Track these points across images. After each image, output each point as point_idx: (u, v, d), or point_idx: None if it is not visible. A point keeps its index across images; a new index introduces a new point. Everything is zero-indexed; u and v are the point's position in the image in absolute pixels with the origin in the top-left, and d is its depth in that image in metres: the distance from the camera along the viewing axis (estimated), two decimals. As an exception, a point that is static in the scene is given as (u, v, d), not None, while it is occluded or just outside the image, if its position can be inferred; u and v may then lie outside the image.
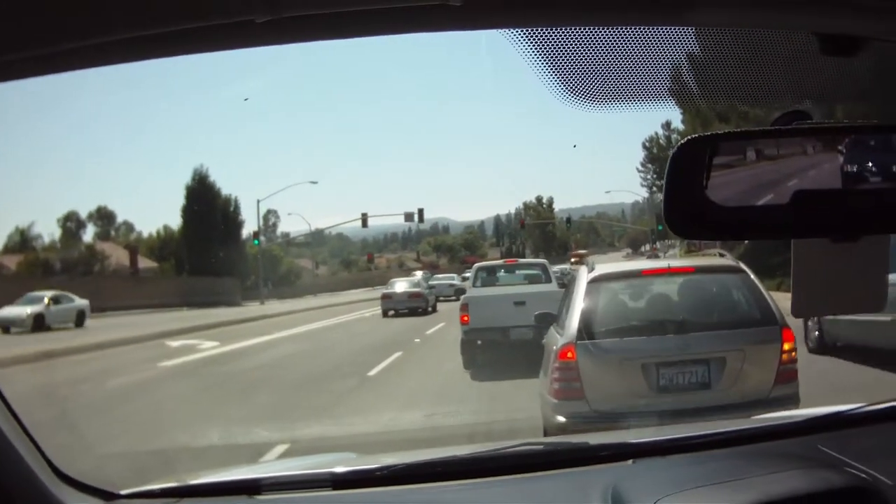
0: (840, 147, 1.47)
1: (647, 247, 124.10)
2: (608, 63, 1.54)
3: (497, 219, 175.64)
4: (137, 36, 1.36)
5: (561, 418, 6.40)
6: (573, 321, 6.66)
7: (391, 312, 32.07)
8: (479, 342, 14.94)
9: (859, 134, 1.49)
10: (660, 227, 59.33)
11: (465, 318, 15.00)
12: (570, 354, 6.47)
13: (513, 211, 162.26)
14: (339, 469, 2.30)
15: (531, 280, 17.79)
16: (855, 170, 1.45)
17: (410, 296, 32.67)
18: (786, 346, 6.48)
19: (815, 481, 1.89)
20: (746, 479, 1.95)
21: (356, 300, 50.12)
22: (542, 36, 1.47)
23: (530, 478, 2.25)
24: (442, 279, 42.97)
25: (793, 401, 6.28)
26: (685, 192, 1.43)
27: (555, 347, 6.76)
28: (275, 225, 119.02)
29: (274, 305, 48.18)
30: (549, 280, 17.18)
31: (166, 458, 7.68)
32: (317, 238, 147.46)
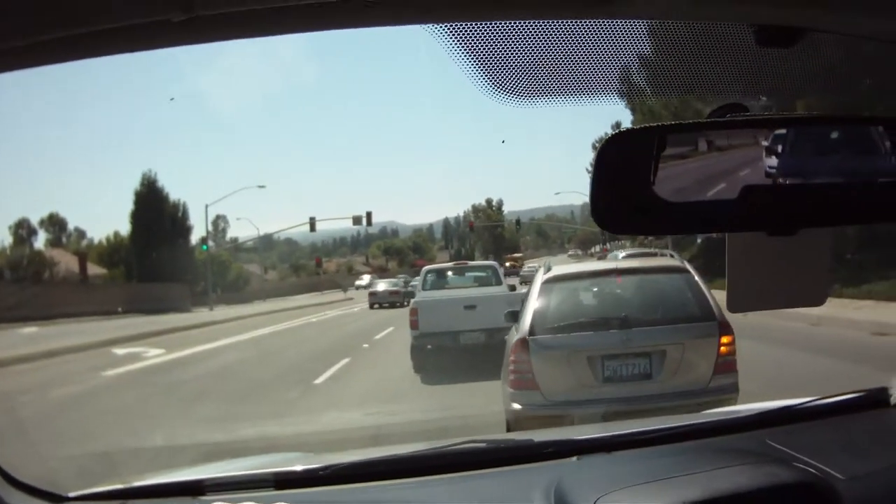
0: (777, 140, 1.45)
1: (598, 248, 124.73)
2: (544, 61, 1.53)
3: (446, 221, 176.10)
4: (58, 37, 1.36)
5: (517, 406, 6.89)
6: (527, 318, 7.18)
7: (376, 305, 40.41)
8: (430, 347, 14.68)
9: (795, 126, 1.47)
10: None
11: (415, 323, 14.69)
12: (522, 348, 6.98)
13: (462, 214, 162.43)
14: (282, 469, 2.32)
15: (481, 283, 17.77)
16: (793, 163, 1.43)
17: (391, 293, 41.78)
18: (723, 340, 6.90)
19: (763, 476, 1.87)
20: (691, 474, 1.93)
21: (304, 305, 49.94)
22: (474, 36, 1.45)
23: (474, 475, 2.24)
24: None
25: (732, 390, 6.75)
26: (614, 186, 1.41)
27: (511, 342, 7.37)
28: (224, 230, 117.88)
29: (223, 311, 47.60)
30: (499, 283, 17.23)
31: (112, 460, 7.74)
32: (266, 243, 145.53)
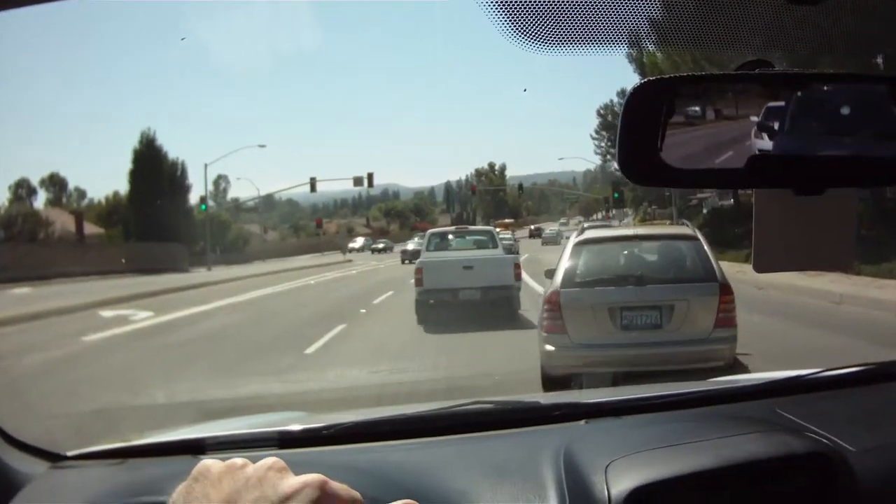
0: (805, 96, 1.40)
1: (600, 215, 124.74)
2: (565, 3, 1.48)
3: (448, 185, 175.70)
4: None
5: (550, 347, 8.36)
6: (559, 274, 8.64)
7: (407, 261, 39.67)
8: (432, 301, 16.30)
9: (825, 83, 1.41)
10: (616, 195, 59.07)
11: (420, 280, 16.34)
12: (554, 299, 8.43)
13: (464, 177, 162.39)
14: (286, 428, 2.32)
15: (479, 246, 19.80)
16: (820, 119, 1.40)
17: (415, 252, 39.95)
18: (724, 299, 8.21)
19: (775, 445, 1.84)
20: (702, 441, 1.89)
21: (303, 266, 49.44)
22: None
23: (481, 437, 2.23)
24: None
25: (729, 341, 8.18)
26: (641, 138, 1.36)
27: (545, 293, 8.88)
28: (225, 190, 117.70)
29: (221, 272, 47.29)
30: (495, 246, 19.55)
31: (113, 418, 8.00)
32: (267, 203, 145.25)
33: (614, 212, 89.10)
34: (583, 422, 2.28)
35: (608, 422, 2.29)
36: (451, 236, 20.93)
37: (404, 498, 1.23)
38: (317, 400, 8.95)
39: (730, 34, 1.66)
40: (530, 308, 15.38)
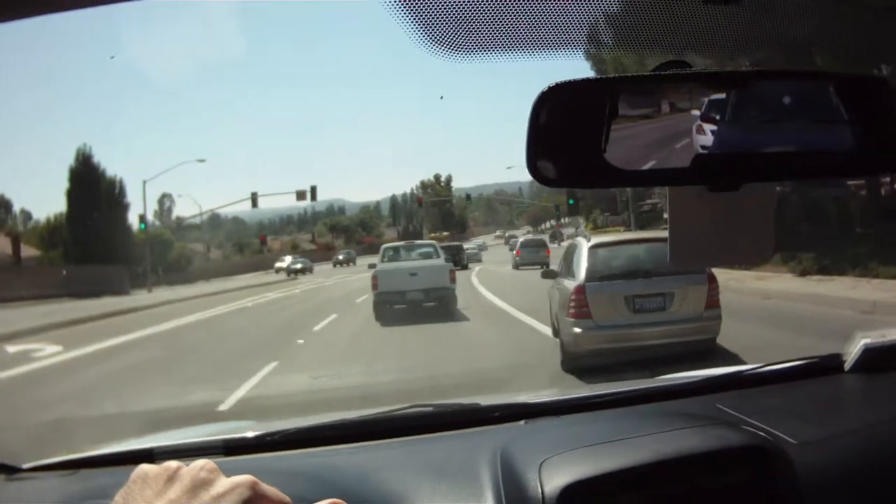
0: (719, 94, 1.42)
1: (550, 223, 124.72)
2: (481, 16, 1.47)
3: (393, 199, 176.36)
4: None
5: (578, 329, 10.49)
6: (581, 271, 10.91)
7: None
8: (385, 302, 20.47)
9: (740, 81, 1.43)
10: (570, 202, 59.03)
11: (375, 285, 20.62)
12: (581, 291, 10.63)
13: (409, 191, 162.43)
14: (232, 436, 2.35)
15: (424, 256, 23.61)
16: (735, 117, 1.40)
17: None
18: (711, 286, 10.66)
19: (712, 439, 1.84)
20: (639, 437, 1.89)
21: (245, 285, 48.30)
22: None
23: (421, 439, 2.27)
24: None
25: (717, 318, 10.65)
26: (554, 140, 1.37)
27: (571, 287, 10.91)
28: (170, 209, 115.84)
29: (160, 293, 46.10)
30: (438, 256, 23.38)
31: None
32: (213, 222, 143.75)
33: (567, 219, 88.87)
34: (522, 422, 2.31)
35: (547, 421, 2.32)
36: (401, 249, 25.03)
37: (346, 500, 1.34)
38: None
39: (650, 35, 1.64)
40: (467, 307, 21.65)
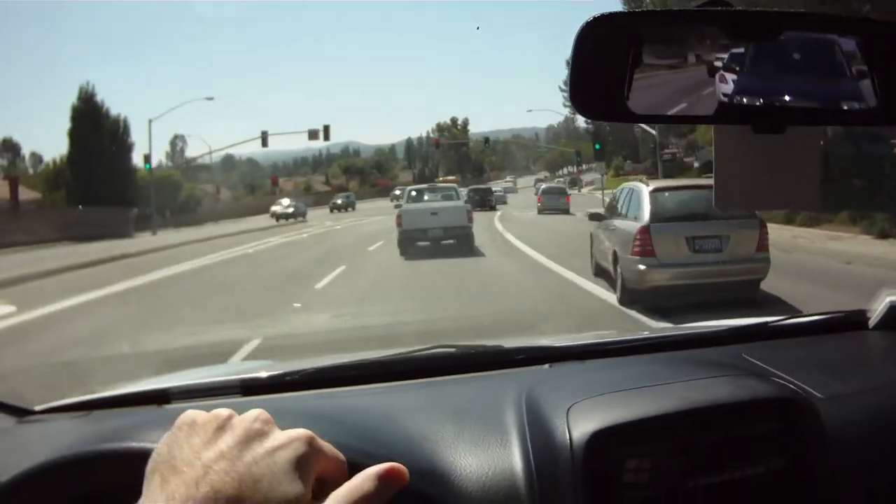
0: (765, 35, 1.37)
1: (568, 169, 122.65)
2: None
3: (409, 141, 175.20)
4: None
5: (642, 266, 11.31)
6: (645, 213, 11.70)
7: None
8: (409, 239, 22.33)
9: (787, 23, 1.38)
10: (597, 146, 57.17)
11: (399, 223, 22.50)
12: (646, 231, 11.46)
13: (425, 134, 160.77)
14: (249, 375, 2.30)
15: (445, 198, 25.14)
16: (780, 58, 1.36)
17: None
18: (762, 231, 11.50)
19: (741, 389, 1.78)
20: (667, 384, 1.83)
21: (252, 228, 46.36)
22: None
23: (444, 381, 2.22)
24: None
25: (766, 261, 11.47)
26: (597, 72, 1.34)
27: (634, 227, 11.77)
28: (182, 150, 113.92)
29: (166, 236, 44.19)
30: (458, 198, 25.31)
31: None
32: (227, 163, 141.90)
33: (586, 166, 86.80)
34: (546, 366, 2.27)
35: (572, 366, 2.28)
36: (424, 190, 26.85)
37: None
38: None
39: None
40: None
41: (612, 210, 14.17)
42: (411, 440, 1.77)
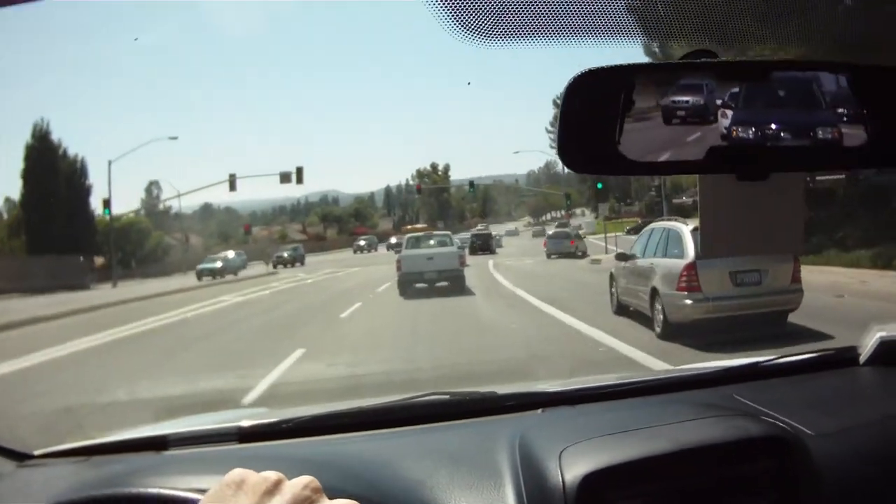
0: (748, 84, 1.45)
1: (552, 214, 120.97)
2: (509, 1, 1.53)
3: (388, 189, 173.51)
4: None
5: (689, 301, 12.24)
6: (689, 251, 12.51)
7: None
8: (408, 281, 24.47)
9: (768, 71, 1.46)
10: (599, 186, 56.10)
11: (399, 267, 24.97)
12: (692, 267, 12.27)
13: (405, 182, 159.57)
14: (245, 423, 2.30)
15: (440, 244, 27.15)
16: (763, 107, 1.43)
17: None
18: (795, 265, 12.57)
19: (732, 429, 1.85)
20: (658, 426, 1.89)
21: (213, 283, 42.84)
22: None
23: (438, 427, 2.27)
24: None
25: (800, 291, 12.49)
26: (585, 126, 1.40)
27: (680, 264, 12.59)
28: (158, 197, 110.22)
29: (126, 289, 40.19)
30: (451, 244, 27.32)
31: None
32: (205, 212, 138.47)
33: (577, 211, 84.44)
34: (539, 411, 2.32)
35: (564, 410, 2.32)
36: (421, 238, 28.68)
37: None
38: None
39: (675, 24, 1.67)
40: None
41: (645, 249, 14.66)
42: (407, 485, 1.79)
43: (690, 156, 1.39)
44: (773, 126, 1.41)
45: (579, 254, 39.82)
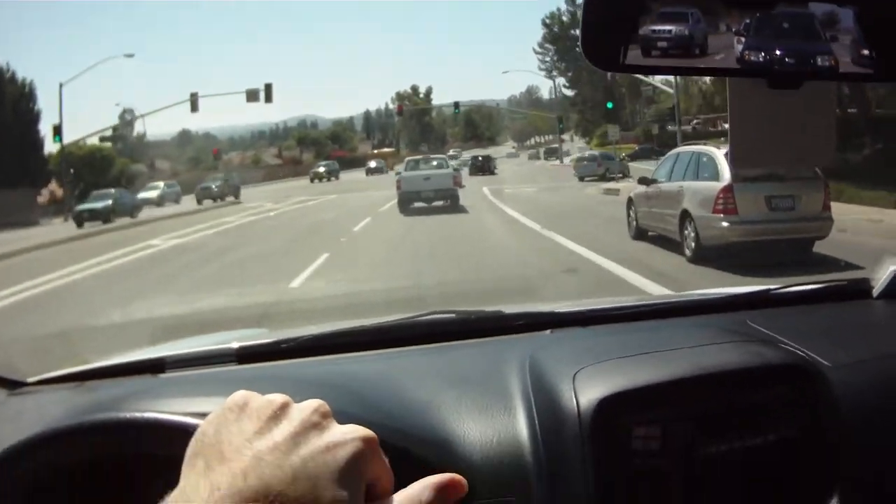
0: None
1: (535, 139, 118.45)
2: None
3: (367, 113, 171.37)
4: None
5: (724, 223, 12.17)
6: (725, 173, 12.41)
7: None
8: (407, 199, 27.59)
9: None
10: (609, 105, 52.72)
11: (399, 186, 28.05)
12: (729, 190, 12.21)
13: (384, 106, 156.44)
14: (244, 343, 2.23)
15: (437, 166, 30.27)
16: (797, 11, 1.34)
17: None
18: (826, 191, 12.52)
19: (751, 355, 1.75)
20: (673, 350, 1.80)
21: (178, 213, 39.02)
22: None
23: (445, 347, 2.18)
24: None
25: (830, 219, 12.51)
26: (609, 20, 1.32)
27: (716, 187, 12.50)
28: (132, 123, 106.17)
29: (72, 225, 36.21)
30: (447, 167, 30.40)
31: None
32: (183, 138, 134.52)
33: (565, 137, 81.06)
34: (548, 331, 2.23)
35: (574, 331, 2.25)
36: (420, 161, 31.84)
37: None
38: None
39: None
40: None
41: (668, 174, 14.79)
42: (412, 407, 1.74)
43: (722, 60, 1.32)
44: (807, 32, 1.32)
45: (619, 175, 39.23)
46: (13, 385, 2.11)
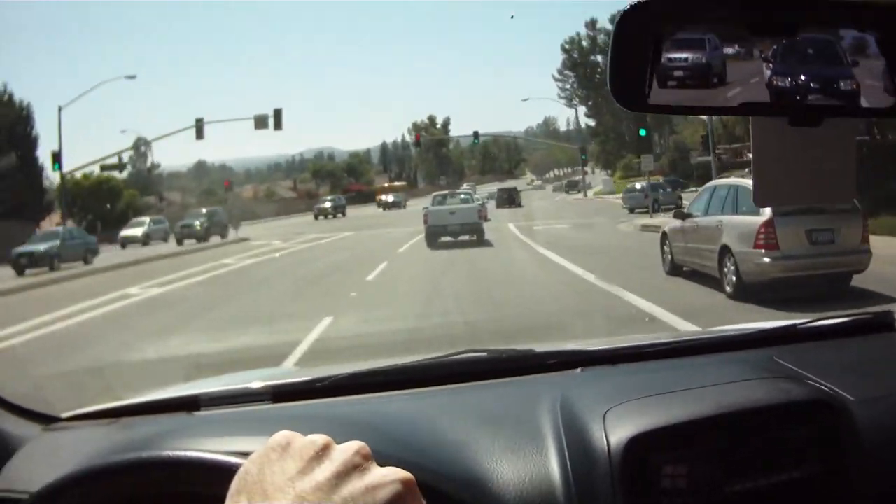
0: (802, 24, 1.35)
1: (555, 172, 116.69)
2: None
3: (384, 145, 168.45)
4: None
5: (766, 259, 11.98)
6: (767, 210, 11.63)
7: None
8: (434, 233, 28.04)
9: (826, 10, 1.35)
10: (642, 132, 51.47)
11: (426, 220, 28.49)
12: (771, 224, 12.00)
13: (400, 138, 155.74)
14: (279, 381, 2.30)
15: (463, 201, 31.70)
16: (817, 47, 1.34)
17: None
18: (864, 224, 12.50)
19: (775, 392, 1.81)
20: (700, 388, 1.84)
21: (174, 252, 36.43)
22: None
23: (476, 386, 2.21)
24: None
25: (868, 252, 12.22)
26: (635, 62, 1.32)
27: (757, 221, 12.20)
28: (146, 154, 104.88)
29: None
30: (472, 201, 31.85)
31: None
32: (199, 170, 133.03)
33: (584, 168, 78.62)
34: (578, 370, 2.26)
35: (604, 369, 2.28)
36: (446, 196, 33.10)
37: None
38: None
39: None
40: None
41: (704, 208, 14.53)
42: (446, 447, 1.75)
43: (743, 97, 1.32)
44: (829, 69, 1.32)
45: (672, 206, 35.44)
46: (47, 420, 2.13)
